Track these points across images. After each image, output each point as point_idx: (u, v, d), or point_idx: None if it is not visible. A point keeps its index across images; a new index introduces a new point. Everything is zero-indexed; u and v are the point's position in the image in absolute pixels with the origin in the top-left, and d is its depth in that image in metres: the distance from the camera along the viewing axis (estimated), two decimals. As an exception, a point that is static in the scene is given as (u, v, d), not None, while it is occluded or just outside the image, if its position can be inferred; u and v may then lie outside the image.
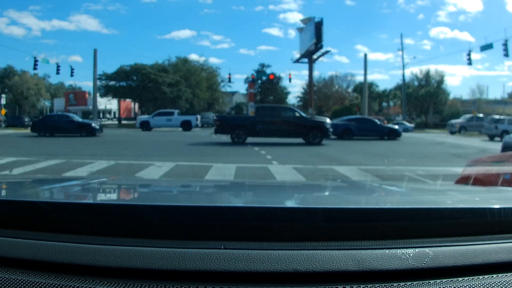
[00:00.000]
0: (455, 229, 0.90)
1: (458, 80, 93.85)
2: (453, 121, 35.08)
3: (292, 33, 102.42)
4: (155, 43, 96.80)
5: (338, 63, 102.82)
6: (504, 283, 0.75)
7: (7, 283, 0.74)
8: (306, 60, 60.91)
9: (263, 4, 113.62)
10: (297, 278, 0.75)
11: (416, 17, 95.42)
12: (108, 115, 64.12)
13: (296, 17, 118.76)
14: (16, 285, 0.73)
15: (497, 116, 28.08)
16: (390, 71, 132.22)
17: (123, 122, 53.77)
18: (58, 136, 23.18)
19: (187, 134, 27.22)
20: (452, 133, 32.38)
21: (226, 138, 18.24)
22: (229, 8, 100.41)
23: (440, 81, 60.47)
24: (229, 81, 50.99)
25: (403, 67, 47.94)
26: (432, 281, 0.75)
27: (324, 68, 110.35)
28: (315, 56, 59.31)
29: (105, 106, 60.61)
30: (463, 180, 3.25)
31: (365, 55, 50.57)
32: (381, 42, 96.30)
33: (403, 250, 0.79)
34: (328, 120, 19.13)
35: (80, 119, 26.10)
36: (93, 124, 24.24)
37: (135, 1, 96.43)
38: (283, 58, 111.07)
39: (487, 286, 0.74)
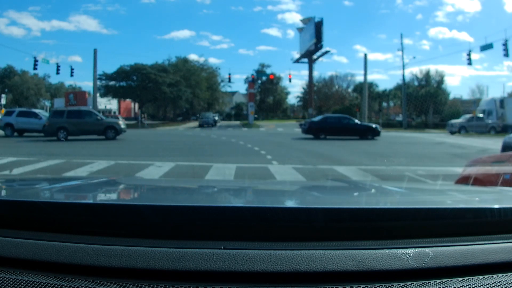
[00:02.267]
0: (455, 229, 0.90)
1: (457, 80, 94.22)
2: (453, 121, 35.07)
3: (291, 33, 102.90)
4: (154, 44, 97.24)
5: (337, 63, 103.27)
6: (504, 283, 0.75)
7: (7, 283, 0.74)
8: (306, 60, 61.03)
9: (261, 5, 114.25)
10: (297, 278, 0.75)
11: (415, 17, 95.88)
12: (108, 115, 64.07)
13: (294, 18, 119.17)
14: (16, 285, 0.73)
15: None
16: (389, 71, 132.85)
17: (123, 122, 53.69)
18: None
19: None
20: (452, 133, 32.35)
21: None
22: (227, 8, 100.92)
23: (440, 81, 60.52)
24: (229, 81, 51.20)
25: (403, 67, 47.91)
26: (432, 281, 0.75)
27: (323, 68, 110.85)
28: (315, 56, 59.43)
29: (105, 106, 60.59)
30: (463, 180, 3.25)
31: (365, 55, 50.55)
32: (380, 42, 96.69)
33: (403, 250, 0.79)
34: None
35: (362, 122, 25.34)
36: (377, 127, 23.61)
37: (134, 2, 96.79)
38: (282, 59, 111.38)
39: (487, 286, 0.74)
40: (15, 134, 23.18)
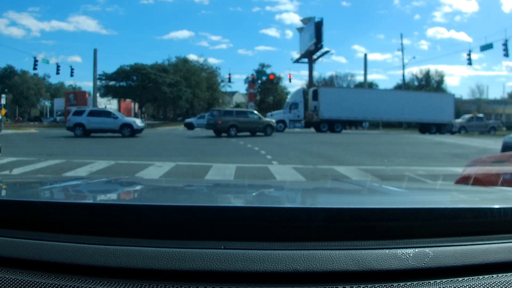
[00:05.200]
0: (455, 229, 0.90)
1: (456, 80, 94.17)
2: (453, 121, 35.06)
3: (290, 33, 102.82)
4: (154, 44, 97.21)
5: (336, 63, 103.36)
6: (504, 283, 0.75)
7: (7, 283, 0.74)
8: (305, 60, 60.96)
9: (259, 5, 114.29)
10: (297, 278, 0.75)
11: (412, 17, 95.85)
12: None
13: (292, 18, 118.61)
14: (16, 285, 0.73)
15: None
16: (388, 71, 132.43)
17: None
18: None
19: None
20: (452, 133, 32.37)
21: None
22: (226, 9, 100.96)
23: (440, 81, 60.50)
24: (229, 81, 51.09)
25: (403, 67, 47.98)
26: (432, 281, 0.75)
27: (322, 68, 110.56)
28: (315, 56, 59.34)
29: (105, 106, 60.59)
30: (463, 180, 3.25)
31: (365, 55, 50.61)
32: (379, 42, 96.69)
33: (403, 250, 0.79)
34: None
35: None
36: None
37: (133, 2, 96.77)
38: (281, 59, 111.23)
39: (487, 286, 0.74)
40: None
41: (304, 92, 35.33)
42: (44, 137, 21.61)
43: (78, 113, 23.58)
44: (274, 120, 25.61)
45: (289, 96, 38.81)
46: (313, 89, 35.39)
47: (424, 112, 33.52)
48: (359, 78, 64.00)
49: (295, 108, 33.12)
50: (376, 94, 36.82)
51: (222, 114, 23.94)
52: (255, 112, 25.34)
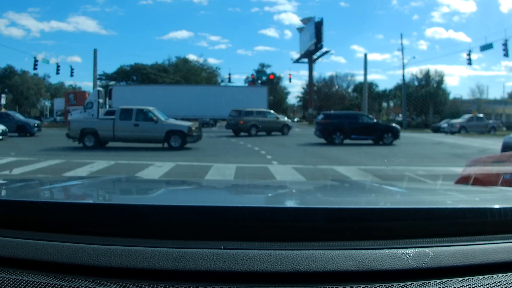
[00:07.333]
0: (455, 229, 0.90)
1: (456, 80, 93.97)
2: (453, 121, 35.00)
3: (289, 34, 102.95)
4: (154, 44, 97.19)
5: (335, 63, 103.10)
6: (504, 283, 0.75)
7: (7, 283, 0.74)
8: (305, 60, 61.00)
9: (258, 6, 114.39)
10: (297, 278, 0.75)
11: (411, 18, 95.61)
12: (108, 115, 63.99)
13: (291, 18, 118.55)
14: (16, 285, 0.73)
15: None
16: (387, 71, 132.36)
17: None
18: None
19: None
20: (452, 133, 32.35)
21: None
22: (225, 9, 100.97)
23: (440, 81, 60.42)
24: (229, 81, 50.86)
25: (403, 67, 47.90)
26: (432, 281, 0.75)
27: (322, 68, 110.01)
28: (315, 56, 59.38)
29: (105, 106, 60.63)
30: (463, 180, 3.25)
31: (365, 55, 50.38)
32: (378, 42, 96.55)
33: (403, 250, 0.79)
34: None
35: None
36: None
37: (132, 3, 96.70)
38: (280, 59, 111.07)
39: (487, 286, 0.74)
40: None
41: (100, 92, 34.12)
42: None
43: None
44: (290, 120, 26.36)
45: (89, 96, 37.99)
46: (110, 88, 35.62)
47: (226, 107, 31.14)
48: (359, 78, 63.99)
49: (90, 107, 31.66)
50: (167, 90, 36.05)
51: (244, 114, 24.62)
52: (272, 112, 26.19)
